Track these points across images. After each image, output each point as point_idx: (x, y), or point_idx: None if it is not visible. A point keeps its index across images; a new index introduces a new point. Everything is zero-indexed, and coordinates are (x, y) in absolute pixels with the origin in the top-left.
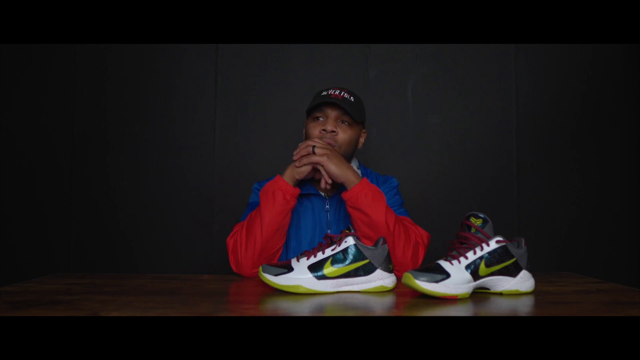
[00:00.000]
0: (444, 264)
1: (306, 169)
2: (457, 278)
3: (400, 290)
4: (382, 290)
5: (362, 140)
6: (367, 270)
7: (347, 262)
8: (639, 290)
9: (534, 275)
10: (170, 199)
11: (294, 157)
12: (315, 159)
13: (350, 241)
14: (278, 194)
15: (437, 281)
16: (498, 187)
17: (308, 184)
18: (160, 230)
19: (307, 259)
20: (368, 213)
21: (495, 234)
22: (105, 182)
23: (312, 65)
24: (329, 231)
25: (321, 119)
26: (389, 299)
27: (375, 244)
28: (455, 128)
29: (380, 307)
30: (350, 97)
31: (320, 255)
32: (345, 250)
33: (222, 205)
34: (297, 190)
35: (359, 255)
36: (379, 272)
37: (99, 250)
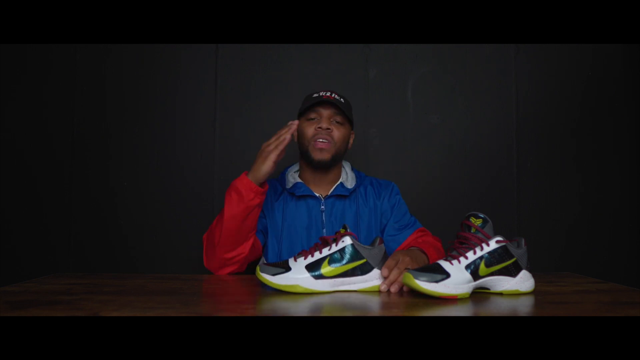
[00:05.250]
0: (444, 263)
1: (268, 167)
2: (457, 278)
3: (400, 290)
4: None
5: (351, 141)
6: (364, 269)
7: (344, 262)
8: (639, 290)
9: (534, 275)
10: (170, 199)
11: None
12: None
13: (347, 241)
14: (239, 191)
15: (437, 281)
16: (498, 187)
17: (303, 186)
18: (160, 230)
19: (305, 258)
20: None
21: (495, 234)
22: (105, 182)
23: (312, 65)
24: (324, 231)
25: (315, 118)
26: (388, 299)
27: (372, 244)
28: (455, 128)
29: (380, 307)
30: (340, 99)
31: (317, 255)
32: (342, 250)
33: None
34: (259, 188)
35: (356, 255)
36: (376, 272)
37: (99, 250)
